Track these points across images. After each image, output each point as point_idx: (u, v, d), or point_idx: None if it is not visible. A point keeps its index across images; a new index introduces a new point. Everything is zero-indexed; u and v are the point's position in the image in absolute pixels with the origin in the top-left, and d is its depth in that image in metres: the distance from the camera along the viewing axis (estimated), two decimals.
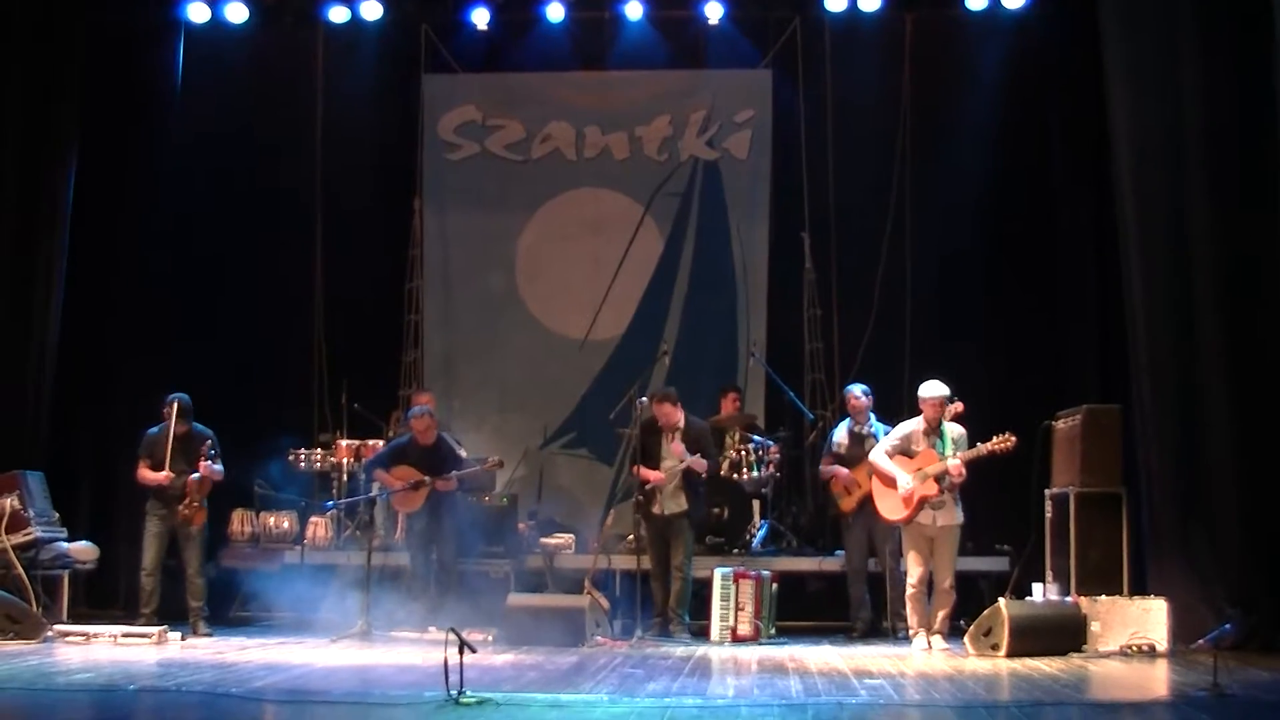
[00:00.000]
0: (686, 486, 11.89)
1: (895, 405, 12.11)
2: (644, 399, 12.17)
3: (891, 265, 14.55)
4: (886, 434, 11.43)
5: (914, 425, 11.07)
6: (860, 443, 12.01)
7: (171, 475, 11.68)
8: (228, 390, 13.57)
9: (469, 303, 15.33)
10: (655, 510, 11.83)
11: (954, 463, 10.71)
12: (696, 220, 15.20)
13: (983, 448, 10.76)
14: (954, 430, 10.93)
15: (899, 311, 14.47)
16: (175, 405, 11.75)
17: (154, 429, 11.97)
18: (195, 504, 11.71)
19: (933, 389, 10.96)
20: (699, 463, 11.83)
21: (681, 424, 11.97)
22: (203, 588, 11.92)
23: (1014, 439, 10.75)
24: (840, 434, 12.31)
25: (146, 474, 11.82)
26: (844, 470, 12.14)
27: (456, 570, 12.35)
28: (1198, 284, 11.33)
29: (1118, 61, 12.01)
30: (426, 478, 12.14)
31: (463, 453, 12.69)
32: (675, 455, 11.83)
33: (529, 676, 9.13)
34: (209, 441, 11.76)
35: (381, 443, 13.44)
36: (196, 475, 11.64)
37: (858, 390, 12.28)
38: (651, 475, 11.87)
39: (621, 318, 15.14)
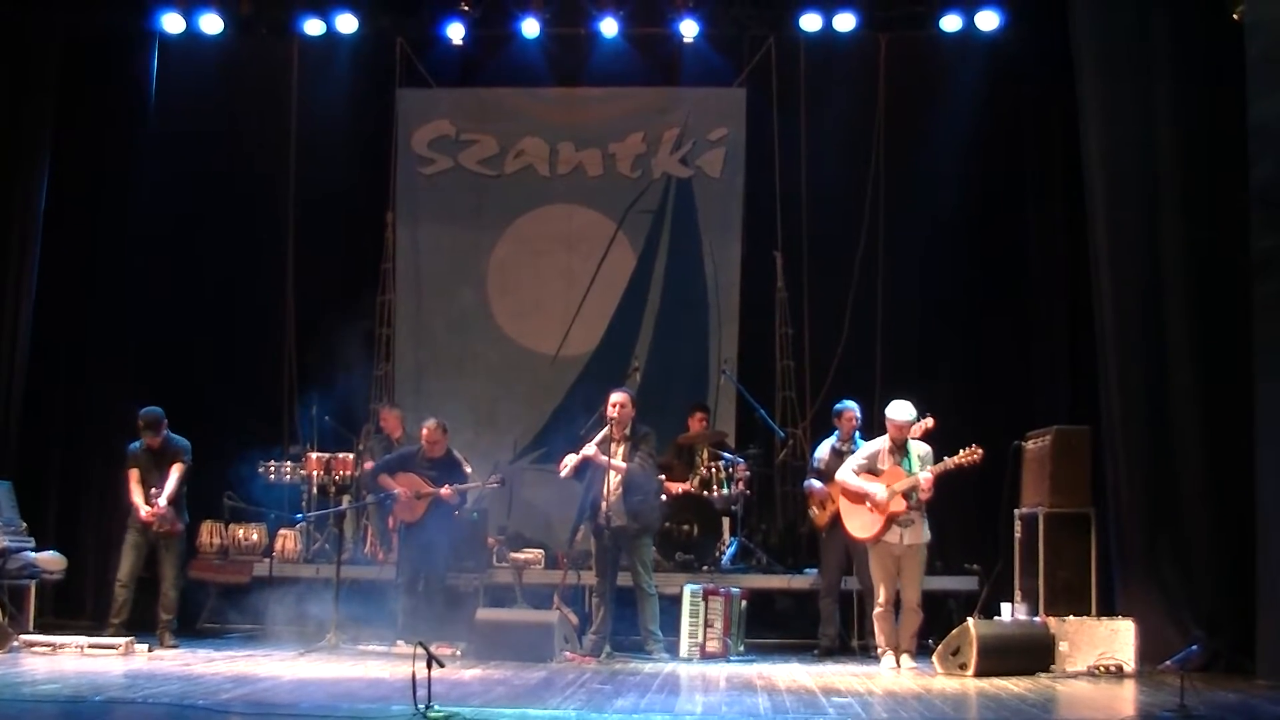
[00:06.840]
0: (626, 495, 11.50)
1: (866, 424, 12.09)
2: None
3: (863, 285, 14.60)
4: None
5: (879, 444, 11.07)
6: (842, 460, 11.89)
7: (155, 513, 11.75)
8: (198, 401, 13.53)
9: (441, 317, 15.32)
10: (601, 521, 11.53)
11: (925, 476, 10.71)
12: (669, 237, 15.21)
13: (950, 461, 10.76)
14: (919, 448, 10.95)
15: (870, 330, 14.53)
16: (141, 421, 11.88)
17: (136, 444, 11.99)
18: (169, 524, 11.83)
19: (900, 411, 10.96)
20: (618, 466, 11.45)
21: (629, 429, 11.66)
22: (175, 601, 11.91)
23: (980, 451, 10.76)
24: (823, 450, 12.21)
25: (134, 492, 11.87)
26: (819, 484, 12.10)
27: (443, 583, 12.36)
28: (1168, 305, 11.38)
29: (1091, 84, 12.03)
30: (430, 488, 12.18)
31: (468, 469, 12.68)
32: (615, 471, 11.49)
33: (497, 691, 9.10)
34: (180, 464, 11.85)
35: (352, 456, 13.45)
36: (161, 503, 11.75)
37: (851, 408, 12.14)
38: (566, 461, 11.61)
39: (593, 334, 15.14)
